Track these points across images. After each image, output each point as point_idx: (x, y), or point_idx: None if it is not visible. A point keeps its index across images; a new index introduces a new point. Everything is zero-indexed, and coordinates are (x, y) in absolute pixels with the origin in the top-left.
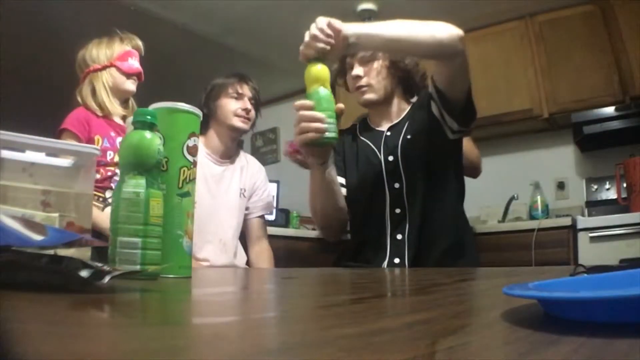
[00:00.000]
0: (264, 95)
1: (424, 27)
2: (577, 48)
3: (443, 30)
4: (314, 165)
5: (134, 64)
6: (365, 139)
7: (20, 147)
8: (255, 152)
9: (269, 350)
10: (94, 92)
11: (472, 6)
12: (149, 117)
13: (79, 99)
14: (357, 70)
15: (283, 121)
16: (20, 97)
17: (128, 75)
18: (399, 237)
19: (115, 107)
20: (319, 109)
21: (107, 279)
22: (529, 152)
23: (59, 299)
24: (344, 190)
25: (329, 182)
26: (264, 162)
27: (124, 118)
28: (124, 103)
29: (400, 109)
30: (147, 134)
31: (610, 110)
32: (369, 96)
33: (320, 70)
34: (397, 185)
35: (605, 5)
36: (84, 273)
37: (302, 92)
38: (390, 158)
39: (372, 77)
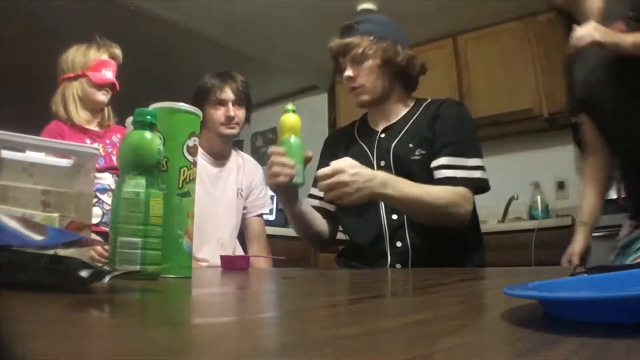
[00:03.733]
0: (264, 95)
1: (435, 200)
2: None
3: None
4: (283, 202)
5: (107, 74)
6: (360, 141)
7: (20, 147)
8: (255, 152)
9: (269, 350)
10: (64, 102)
11: (472, 6)
12: (149, 117)
13: (53, 107)
14: (349, 71)
15: None
16: (20, 98)
17: (99, 86)
18: (399, 244)
19: (81, 118)
20: (290, 155)
21: (107, 279)
22: (529, 152)
23: (59, 299)
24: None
25: (301, 215)
26: (263, 162)
27: (100, 125)
28: (98, 112)
29: (399, 107)
30: (147, 134)
31: None
32: (363, 97)
33: (292, 120)
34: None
35: None
36: (84, 273)
37: (301, 92)
38: (382, 163)
39: (364, 77)
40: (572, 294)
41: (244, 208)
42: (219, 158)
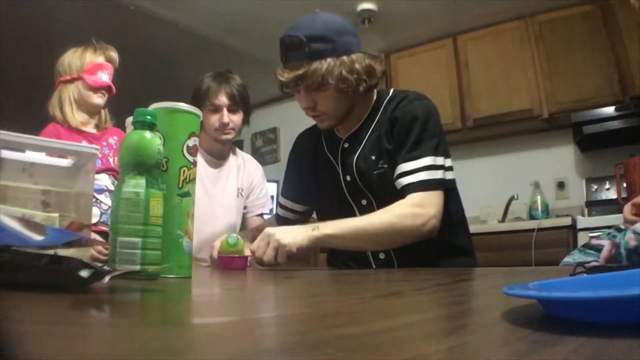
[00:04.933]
0: (264, 95)
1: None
2: (577, 48)
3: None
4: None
5: (102, 77)
6: (326, 150)
7: (20, 147)
8: (255, 152)
9: (269, 350)
10: (60, 104)
11: (472, 6)
12: (149, 117)
13: (50, 110)
14: (305, 102)
15: (283, 121)
16: (20, 98)
17: (95, 89)
18: (382, 256)
19: (77, 120)
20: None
21: (107, 279)
22: (529, 152)
23: (59, 299)
24: (299, 207)
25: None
26: (264, 162)
27: (97, 127)
28: (94, 114)
29: (362, 109)
30: (147, 134)
31: (610, 110)
32: (328, 124)
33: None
34: (364, 201)
35: (605, 5)
36: (84, 273)
37: None
38: (348, 178)
39: (324, 105)
40: (572, 294)
41: (244, 208)
42: (219, 158)
